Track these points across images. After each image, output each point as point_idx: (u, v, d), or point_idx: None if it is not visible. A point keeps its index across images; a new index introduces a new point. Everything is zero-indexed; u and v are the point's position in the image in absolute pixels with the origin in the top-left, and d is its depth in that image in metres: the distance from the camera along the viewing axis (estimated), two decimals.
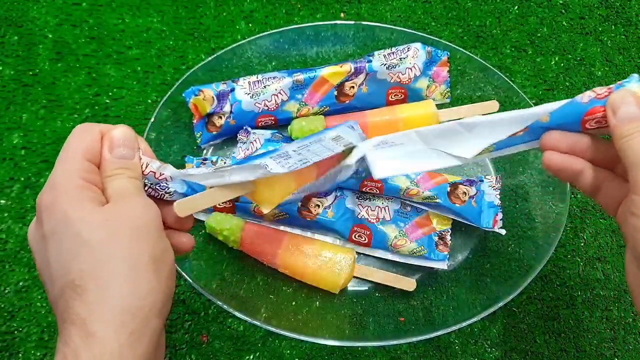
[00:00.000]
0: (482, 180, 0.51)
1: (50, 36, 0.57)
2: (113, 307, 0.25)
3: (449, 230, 0.50)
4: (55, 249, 0.26)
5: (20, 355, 0.47)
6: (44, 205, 0.27)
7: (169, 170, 0.32)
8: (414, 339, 0.44)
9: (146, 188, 0.31)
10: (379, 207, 0.49)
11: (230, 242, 0.48)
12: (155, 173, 0.31)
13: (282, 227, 0.51)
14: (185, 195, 0.32)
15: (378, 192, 0.49)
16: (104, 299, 0.25)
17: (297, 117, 0.54)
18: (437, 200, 0.48)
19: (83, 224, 0.26)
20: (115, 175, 0.29)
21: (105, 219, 0.26)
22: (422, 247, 0.48)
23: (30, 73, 0.56)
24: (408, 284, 0.48)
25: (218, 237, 0.48)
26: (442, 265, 0.49)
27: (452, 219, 0.50)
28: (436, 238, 0.49)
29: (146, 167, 0.31)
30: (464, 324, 0.44)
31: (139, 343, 0.25)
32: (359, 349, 0.48)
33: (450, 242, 0.49)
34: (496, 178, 0.51)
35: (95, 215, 0.26)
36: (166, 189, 0.32)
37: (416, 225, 0.49)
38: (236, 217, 0.49)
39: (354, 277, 0.49)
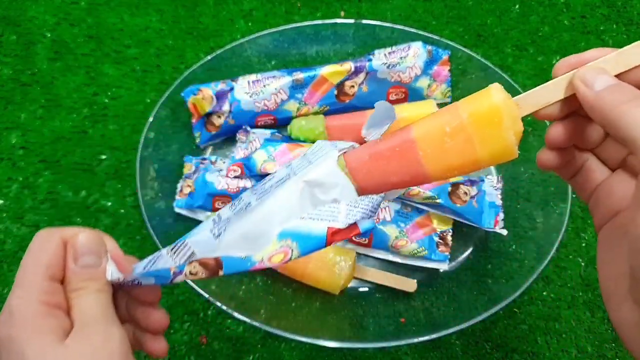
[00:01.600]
0: (483, 180, 0.51)
1: (49, 35, 0.57)
2: None
3: (450, 230, 0.49)
4: None
5: None
6: (1, 337, 0.24)
7: (132, 275, 0.28)
8: (415, 340, 0.44)
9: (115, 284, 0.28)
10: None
11: None
12: (119, 279, 0.28)
13: None
14: (155, 284, 0.28)
15: None
16: None
17: (296, 117, 0.53)
18: (438, 201, 0.48)
19: None
20: (80, 290, 0.26)
21: None
22: (423, 248, 0.48)
23: (29, 72, 0.55)
24: (409, 284, 0.48)
25: None
26: (443, 266, 0.49)
27: (453, 219, 0.50)
28: (437, 238, 0.49)
29: (110, 276, 0.28)
30: (465, 325, 0.44)
31: None
32: (360, 350, 0.48)
33: (451, 242, 0.49)
34: (497, 178, 0.51)
35: (53, 355, 0.24)
36: (135, 281, 0.28)
37: (417, 225, 0.49)
38: None
39: (354, 277, 0.48)
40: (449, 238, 0.49)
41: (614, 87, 0.23)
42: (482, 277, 0.49)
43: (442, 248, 0.49)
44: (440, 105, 0.55)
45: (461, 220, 0.49)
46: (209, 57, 0.53)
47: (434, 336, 0.44)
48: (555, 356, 0.48)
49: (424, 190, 0.48)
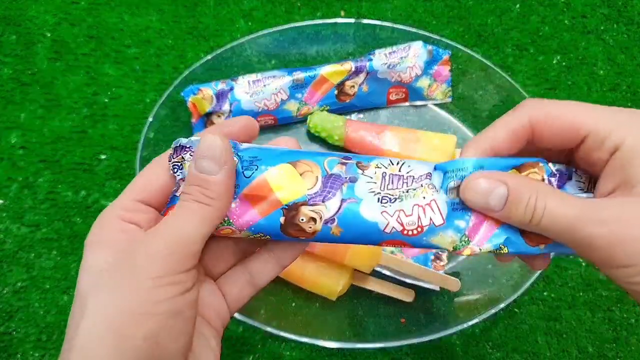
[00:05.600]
0: None
1: (49, 35, 0.57)
2: None
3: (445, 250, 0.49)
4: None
5: (19, 356, 0.46)
6: (85, 243, 0.25)
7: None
8: (415, 341, 0.44)
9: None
10: None
11: None
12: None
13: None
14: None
15: None
16: None
17: (298, 116, 0.53)
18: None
19: (83, 271, 0.23)
20: (184, 197, 0.24)
21: (101, 269, 0.23)
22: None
23: (29, 72, 0.55)
24: (407, 294, 0.47)
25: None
26: (435, 287, 0.47)
27: None
28: (432, 257, 0.49)
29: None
30: (465, 325, 0.44)
31: None
32: (360, 350, 0.48)
33: (445, 261, 0.49)
34: None
35: (99, 262, 0.23)
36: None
37: None
38: None
39: (353, 284, 0.48)
40: (444, 257, 0.49)
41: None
42: (483, 277, 0.49)
43: (436, 266, 0.49)
44: (439, 105, 0.55)
45: None
46: (209, 57, 0.53)
47: (434, 336, 0.44)
48: (555, 356, 0.48)
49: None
